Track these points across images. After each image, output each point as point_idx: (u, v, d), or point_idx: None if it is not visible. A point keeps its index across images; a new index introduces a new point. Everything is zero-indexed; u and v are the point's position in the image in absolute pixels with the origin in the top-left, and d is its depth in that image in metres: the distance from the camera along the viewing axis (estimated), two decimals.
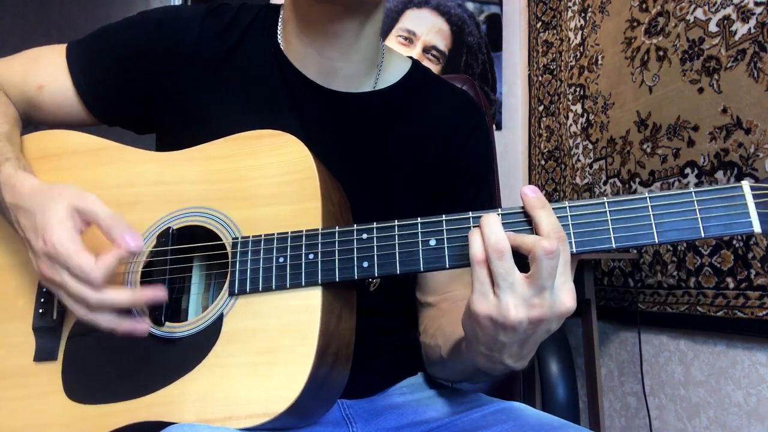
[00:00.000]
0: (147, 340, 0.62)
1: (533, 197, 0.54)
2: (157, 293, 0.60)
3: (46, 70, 0.79)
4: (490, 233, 0.52)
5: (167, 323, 0.63)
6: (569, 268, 0.51)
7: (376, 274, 0.59)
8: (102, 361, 0.64)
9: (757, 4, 1.21)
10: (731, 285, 1.25)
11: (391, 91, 0.82)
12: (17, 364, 0.66)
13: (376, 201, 0.77)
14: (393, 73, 0.84)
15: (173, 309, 0.66)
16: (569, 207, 0.56)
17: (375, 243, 0.59)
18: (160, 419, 0.59)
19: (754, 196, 0.53)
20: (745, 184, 0.53)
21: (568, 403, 0.91)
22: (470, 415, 0.71)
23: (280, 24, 0.81)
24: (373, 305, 0.75)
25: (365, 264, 0.59)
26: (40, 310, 0.67)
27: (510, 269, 0.51)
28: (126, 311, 0.61)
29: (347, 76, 0.78)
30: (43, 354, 0.66)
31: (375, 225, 0.60)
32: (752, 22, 1.22)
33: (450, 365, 0.72)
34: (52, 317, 0.67)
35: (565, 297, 0.51)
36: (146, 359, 0.62)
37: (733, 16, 1.27)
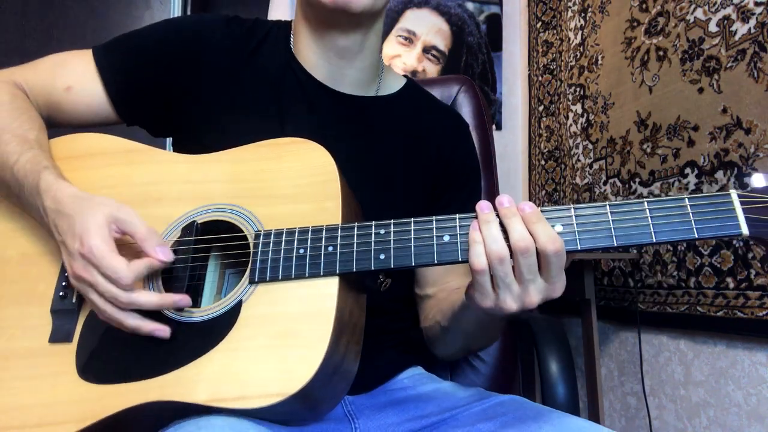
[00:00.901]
0: (166, 323, 0.64)
1: (506, 207, 0.60)
2: (183, 298, 0.64)
3: (73, 73, 0.83)
4: (492, 242, 0.58)
5: (185, 308, 0.65)
6: (562, 269, 0.59)
7: (392, 266, 0.62)
8: (117, 343, 0.66)
9: (757, 4, 1.21)
10: (731, 285, 1.25)
11: (391, 98, 0.91)
12: (32, 345, 0.68)
13: (379, 193, 0.82)
14: (391, 84, 0.93)
15: (192, 296, 0.68)
16: (574, 208, 0.61)
17: (392, 237, 0.63)
18: (171, 399, 0.60)
19: (742, 203, 0.60)
20: (733, 192, 0.60)
21: (568, 403, 0.91)
22: (471, 409, 0.73)
23: (291, 35, 0.88)
24: (378, 305, 0.77)
25: (382, 256, 0.62)
26: (60, 293, 0.69)
27: (509, 272, 0.58)
28: (149, 312, 0.64)
29: (353, 82, 0.86)
30: (59, 335, 0.67)
31: (392, 221, 0.64)
32: (752, 22, 1.22)
33: (452, 331, 0.78)
34: (71, 301, 0.69)
35: (554, 289, 0.59)
36: (163, 342, 0.64)
37: (733, 16, 1.27)
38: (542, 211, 0.60)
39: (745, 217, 0.59)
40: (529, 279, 0.58)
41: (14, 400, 0.65)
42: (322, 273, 0.63)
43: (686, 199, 0.59)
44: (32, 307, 0.70)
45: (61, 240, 0.66)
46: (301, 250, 0.64)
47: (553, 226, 0.59)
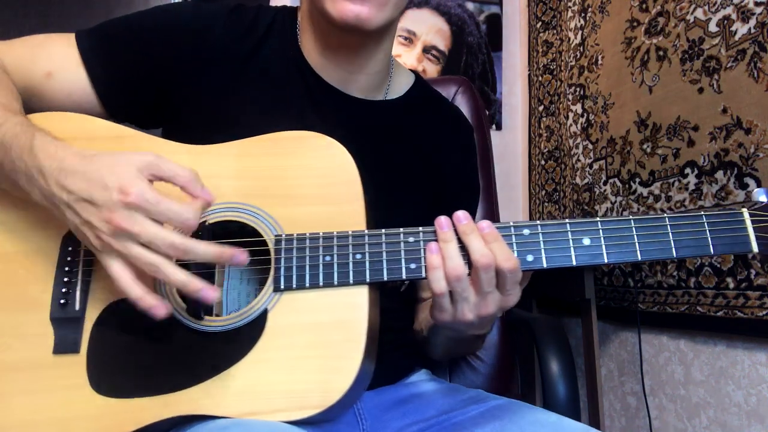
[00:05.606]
0: (185, 333, 0.61)
1: (464, 224, 0.62)
2: (241, 254, 0.58)
3: (54, 58, 0.76)
4: (449, 261, 0.61)
5: (206, 317, 0.62)
6: (518, 284, 0.63)
7: (423, 275, 0.62)
8: (132, 353, 0.62)
9: (757, 4, 1.21)
10: (731, 285, 1.25)
11: (399, 102, 0.88)
12: (34, 356, 0.62)
13: (382, 202, 0.78)
14: (400, 85, 0.89)
15: (207, 304, 0.64)
16: (600, 222, 0.63)
17: (422, 246, 0.63)
18: (202, 413, 0.58)
19: (753, 221, 0.62)
20: (745, 211, 0.63)
21: (568, 403, 0.91)
22: (468, 413, 0.74)
23: (298, 30, 0.82)
24: (390, 305, 0.76)
25: (413, 266, 0.63)
26: (61, 300, 0.64)
27: (467, 287, 0.61)
28: (162, 321, 0.58)
29: (362, 87, 0.83)
30: (64, 346, 0.62)
31: (421, 229, 0.64)
32: (752, 22, 1.22)
33: (432, 341, 0.82)
34: (74, 307, 0.63)
35: (508, 300, 0.63)
36: (183, 353, 0.61)
37: (733, 16, 1.27)
38: (570, 224, 0.62)
39: (756, 236, 0.62)
40: (488, 291, 0.61)
41: (22, 417, 0.60)
42: (351, 282, 0.62)
43: (703, 216, 0.62)
44: (26, 314, 0.64)
45: (71, 200, 0.57)
46: (327, 258, 0.63)
47: (581, 239, 0.61)
